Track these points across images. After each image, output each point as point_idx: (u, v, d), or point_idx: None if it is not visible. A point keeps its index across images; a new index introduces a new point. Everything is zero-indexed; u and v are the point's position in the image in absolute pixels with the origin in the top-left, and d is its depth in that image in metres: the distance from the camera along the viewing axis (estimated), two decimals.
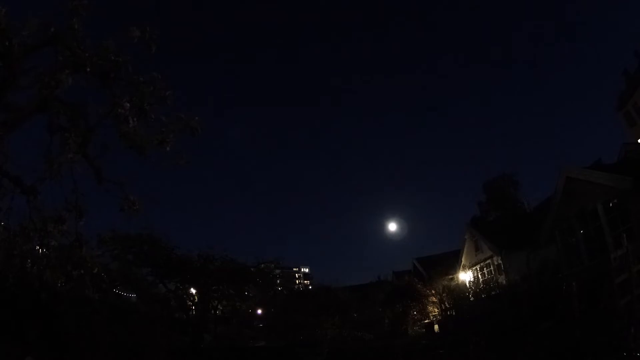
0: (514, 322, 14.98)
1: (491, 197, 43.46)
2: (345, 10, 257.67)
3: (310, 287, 56.46)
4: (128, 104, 7.04)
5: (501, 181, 43.19)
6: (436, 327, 25.54)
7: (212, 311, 28.08)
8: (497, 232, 28.09)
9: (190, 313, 27.82)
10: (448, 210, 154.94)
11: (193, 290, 27.87)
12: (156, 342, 15.99)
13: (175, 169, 7.85)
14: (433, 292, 29.55)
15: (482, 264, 29.15)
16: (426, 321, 28.40)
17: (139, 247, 23.89)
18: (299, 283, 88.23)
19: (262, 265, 28.49)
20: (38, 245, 8.73)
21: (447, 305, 27.54)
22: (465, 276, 30.58)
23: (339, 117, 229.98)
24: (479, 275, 29.37)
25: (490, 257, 27.94)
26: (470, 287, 27.64)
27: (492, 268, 28.02)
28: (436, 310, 29.58)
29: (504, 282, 24.20)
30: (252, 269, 27.92)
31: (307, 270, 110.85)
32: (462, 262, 31.61)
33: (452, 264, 31.78)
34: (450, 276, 30.68)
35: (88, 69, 6.97)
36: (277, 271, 32.41)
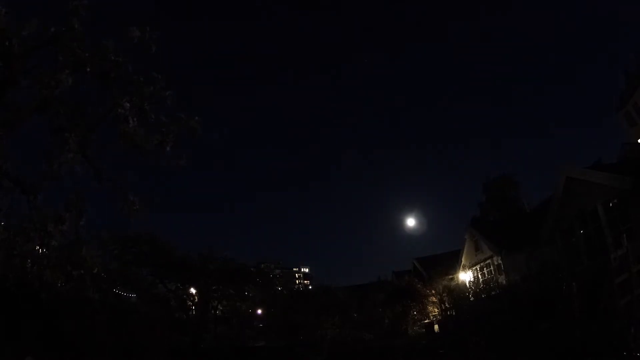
0: (514, 322, 14.96)
1: (491, 198, 43.53)
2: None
3: (310, 287, 56.36)
4: (128, 104, 7.05)
5: (501, 181, 43.23)
6: (436, 327, 25.51)
7: (212, 311, 28.08)
8: (497, 232, 28.09)
9: (190, 313, 27.80)
10: (448, 210, 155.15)
11: (193, 290, 27.86)
12: (156, 343, 16.01)
13: (175, 168, 7.83)
14: (433, 292, 29.53)
15: (482, 264, 29.13)
16: (426, 321, 28.36)
17: (139, 247, 23.89)
18: (299, 283, 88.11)
19: (262, 265, 28.48)
20: (38, 245, 8.71)
21: (447, 305, 27.51)
22: (465, 276, 30.56)
23: (338, 118, 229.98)
24: (479, 275, 29.34)
25: (490, 257, 27.92)
26: (470, 287, 27.58)
27: (492, 268, 27.99)
28: (436, 310, 29.56)
29: (504, 282, 24.16)
30: (252, 269, 27.90)
31: (307, 270, 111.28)
32: (462, 262, 31.59)
33: (452, 264, 31.77)
34: (450, 276, 30.65)
35: (88, 69, 6.97)
36: (277, 271, 32.34)
